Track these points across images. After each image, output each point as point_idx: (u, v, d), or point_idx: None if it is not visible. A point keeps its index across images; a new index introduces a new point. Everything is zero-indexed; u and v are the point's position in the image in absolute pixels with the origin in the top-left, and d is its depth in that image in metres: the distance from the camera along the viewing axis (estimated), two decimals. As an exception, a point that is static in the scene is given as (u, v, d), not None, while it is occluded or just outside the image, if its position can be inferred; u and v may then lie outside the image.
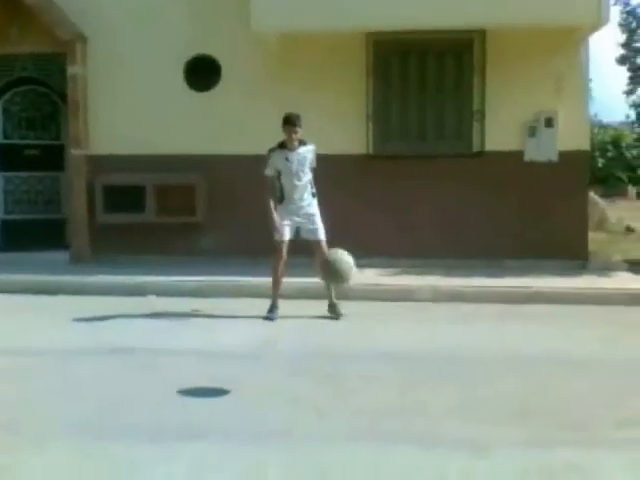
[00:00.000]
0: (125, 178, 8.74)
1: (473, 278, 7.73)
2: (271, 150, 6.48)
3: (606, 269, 8.61)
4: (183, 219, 8.77)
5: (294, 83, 8.66)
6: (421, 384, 4.47)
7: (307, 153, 6.50)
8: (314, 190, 6.61)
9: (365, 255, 8.29)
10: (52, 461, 3.29)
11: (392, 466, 3.19)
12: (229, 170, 8.78)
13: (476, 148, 8.66)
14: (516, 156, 8.58)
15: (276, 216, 6.43)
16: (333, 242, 8.31)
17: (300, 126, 6.37)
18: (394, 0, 7.72)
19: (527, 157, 8.62)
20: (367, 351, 5.29)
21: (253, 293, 7.31)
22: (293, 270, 7.54)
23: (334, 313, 6.49)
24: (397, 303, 6.90)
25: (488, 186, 8.56)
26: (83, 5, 8.78)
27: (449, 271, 7.91)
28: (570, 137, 8.48)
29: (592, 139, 17.52)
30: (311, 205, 6.57)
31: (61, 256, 8.91)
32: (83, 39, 8.84)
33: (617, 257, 10.24)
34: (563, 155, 8.53)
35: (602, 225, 16.59)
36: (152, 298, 7.33)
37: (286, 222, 6.49)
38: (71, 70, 8.86)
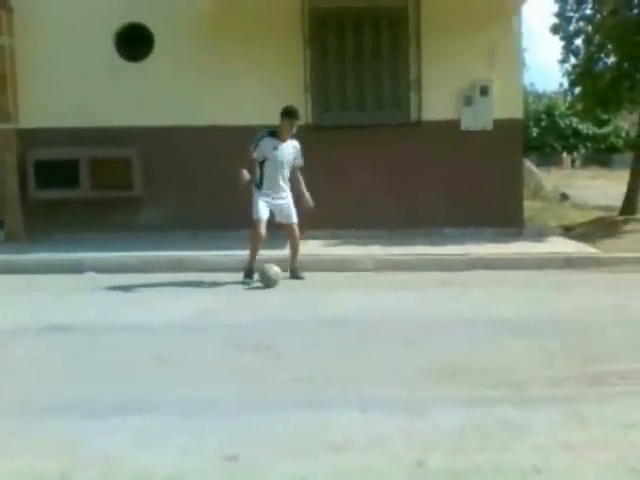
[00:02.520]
0: (57, 152, 8.51)
1: (413, 247, 7.83)
2: (262, 135, 6.55)
3: (541, 235, 8.85)
4: (120, 194, 8.61)
5: (230, 53, 8.56)
6: (360, 350, 4.53)
7: (293, 148, 6.64)
8: (289, 184, 6.78)
9: (306, 227, 8.34)
10: (-13, 440, 3.22)
11: (334, 430, 3.22)
12: (165, 142, 8.65)
13: (414, 117, 8.74)
14: (453, 125, 8.70)
15: (245, 173, 6.46)
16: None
17: (298, 118, 6.60)
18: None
19: (463, 126, 8.75)
20: (308, 320, 5.31)
21: (194, 267, 7.27)
22: (238, 242, 7.54)
23: (296, 276, 6.79)
24: (339, 273, 6.95)
25: (426, 155, 8.66)
26: (8, -27, 8.45)
27: (389, 241, 8.01)
28: (504, 106, 8.65)
29: (526, 108, 17.88)
30: (286, 197, 6.73)
31: (-6, 234, 8.67)
32: (9, 9, 8.51)
33: (552, 223, 10.55)
34: (497, 123, 8.69)
35: (538, 193, 17.01)
36: (91, 274, 7.19)
37: (263, 202, 6.58)
38: (-3, 41, 8.53)
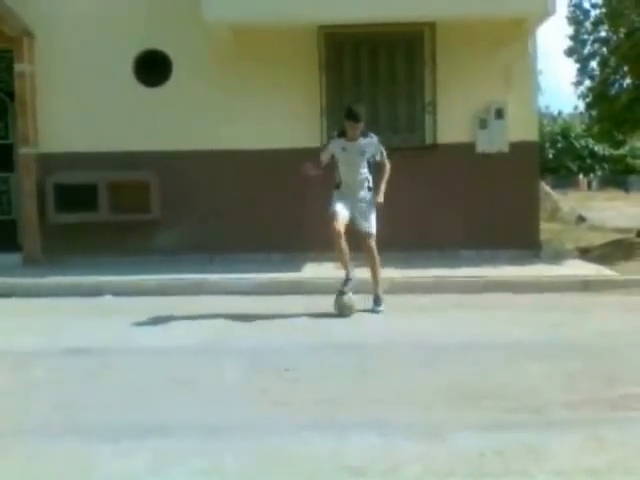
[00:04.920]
0: (76, 176, 8.61)
1: (429, 269, 7.81)
2: (331, 137, 6.53)
3: (559, 257, 8.81)
4: (138, 217, 8.67)
5: (247, 78, 8.65)
6: (377, 373, 4.51)
7: (367, 146, 6.37)
8: (371, 184, 6.50)
9: (322, 249, 8.35)
10: (6, 460, 3.23)
11: (352, 454, 3.21)
12: (183, 166, 8.73)
13: (429, 140, 8.76)
14: (468, 148, 8.71)
15: (308, 166, 6.39)
16: (284, 238, 8.38)
17: (361, 121, 6.26)
18: (345, -6, 7.75)
19: (479, 148, 8.76)
20: (325, 343, 5.31)
21: (211, 290, 7.29)
22: (254, 266, 7.57)
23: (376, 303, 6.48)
24: (355, 296, 6.92)
25: (442, 178, 8.67)
26: (30, 1, 8.62)
27: (405, 263, 7.98)
28: (519, 128, 8.65)
29: (541, 130, 17.88)
30: (365, 200, 6.46)
31: (13, 258, 8.74)
32: (30, 35, 8.67)
33: (569, 245, 10.49)
34: (513, 146, 8.69)
35: (555, 215, 16.96)
36: (108, 297, 7.24)
37: (339, 202, 6.36)
38: (18, 67, 8.69)
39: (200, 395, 4.15)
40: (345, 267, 6.37)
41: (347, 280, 6.34)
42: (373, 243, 6.46)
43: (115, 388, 4.32)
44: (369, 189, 6.50)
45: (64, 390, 4.30)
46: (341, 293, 6.30)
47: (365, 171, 6.46)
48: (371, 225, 6.46)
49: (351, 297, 6.32)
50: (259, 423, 3.64)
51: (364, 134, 6.38)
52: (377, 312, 6.42)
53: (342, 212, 6.31)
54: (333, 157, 6.45)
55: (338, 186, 6.47)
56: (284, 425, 3.61)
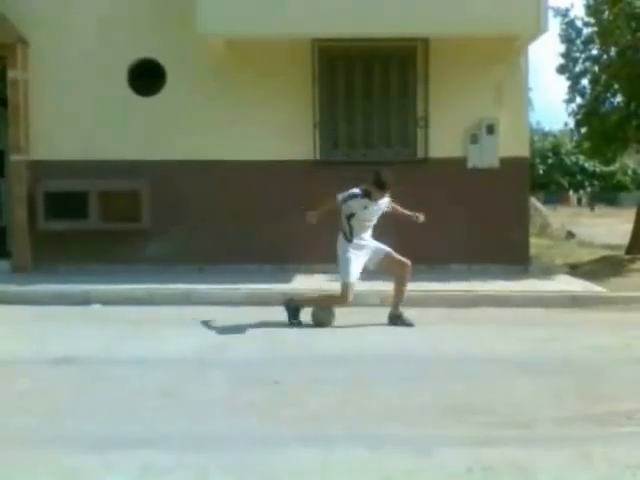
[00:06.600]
0: (67, 184, 8.58)
1: (418, 283, 7.80)
2: (355, 194, 6.25)
3: (548, 273, 8.84)
4: (128, 226, 8.65)
5: (240, 90, 8.67)
6: (364, 387, 4.50)
7: (383, 205, 6.46)
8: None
9: (313, 261, 8.34)
10: (-9, 473, 3.21)
11: (339, 469, 3.20)
12: (174, 176, 8.72)
13: (420, 155, 8.80)
14: (459, 162, 8.75)
15: (312, 216, 6.34)
16: (276, 250, 8.36)
17: (390, 189, 6.32)
18: (339, 8, 7.78)
19: (470, 164, 8.80)
20: (314, 356, 5.30)
21: (201, 300, 7.27)
22: (244, 276, 7.56)
23: (399, 322, 6.49)
24: (345, 309, 6.93)
25: (432, 192, 8.68)
26: (24, 9, 8.62)
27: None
28: (510, 144, 8.70)
29: (532, 146, 17.99)
30: (373, 241, 6.53)
31: (2, 265, 8.71)
32: (24, 43, 8.67)
33: (558, 261, 10.54)
34: (504, 162, 8.74)
35: (545, 231, 17.06)
36: (97, 307, 7.20)
37: (356, 261, 6.32)
38: (11, 74, 8.67)
39: (187, 407, 4.12)
40: (315, 304, 6.53)
41: (297, 311, 6.46)
42: (398, 255, 6.51)
43: (101, 398, 4.29)
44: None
45: (50, 400, 4.26)
46: (293, 323, 6.40)
47: (374, 222, 6.51)
48: (383, 246, 6.52)
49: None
50: (246, 436, 3.63)
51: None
52: (412, 325, 6.44)
53: (355, 280, 6.35)
54: (345, 208, 6.35)
55: (349, 239, 6.38)
56: (271, 439, 3.59)
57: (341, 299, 6.36)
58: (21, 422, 3.86)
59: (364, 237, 6.45)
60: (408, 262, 6.52)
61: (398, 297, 6.58)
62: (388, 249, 6.53)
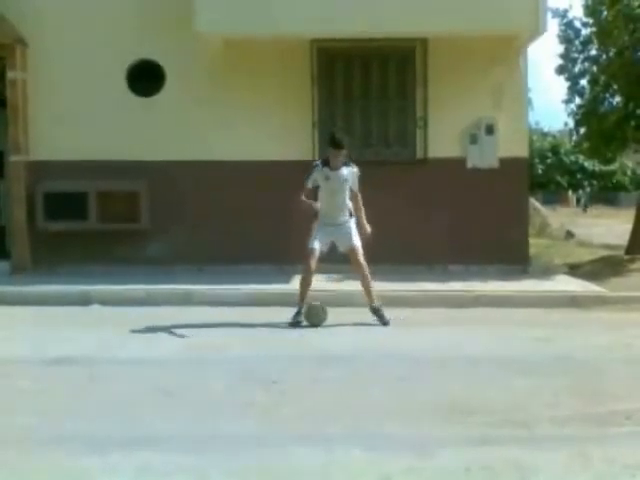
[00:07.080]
0: (67, 185, 8.58)
1: (417, 283, 7.83)
2: (315, 165, 6.45)
3: (547, 273, 8.84)
4: (127, 226, 8.65)
5: (239, 90, 8.67)
6: (363, 387, 4.50)
7: (349, 175, 6.44)
8: (351, 210, 6.55)
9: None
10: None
11: (339, 468, 3.20)
12: (173, 176, 8.72)
13: (419, 155, 8.80)
14: (458, 163, 8.75)
15: (314, 204, 6.38)
16: (275, 250, 8.37)
17: (344, 148, 6.34)
18: (337, 7, 7.79)
19: (469, 164, 8.80)
20: (312, 355, 5.30)
21: (200, 301, 7.27)
22: (244, 277, 7.57)
23: (378, 316, 6.50)
24: (343, 308, 6.93)
25: (432, 192, 8.70)
26: (23, 10, 8.62)
27: (393, 276, 7.99)
28: (510, 144, 8.71)
29: (531, 147, 18.00)
30: (346, 225, 6.52)
31: (1, 265, 8.70)
32: (23, 43, 8.67)
33: (557, 261, 10.54)
34: (503, 162, 8.74)
35: (544, 231, 17.06)
36: (96, 307, 7.20)
37: (319, 236, 6.44)
38: (10, 75, 8.68)
39: (186, 407, 4.13)
40: (302, 299, 6.46)
41: (299, 312, 6.42)
42: (362, 258, 6.50)
43: (101, 399, 4.29)
44: (350, 215, 6.56)
45: (49, 400, 4.26)
46: (294, 324, 6.35)
47: (346, 198, 6.51)
48: (356, 240, 6.51)
49: (318, 307, 6.43)
50: (245, 436, 3.63)
51: (346, 163, 6.45)
52: (387, 324, 6.42)
53: (318, 247, 6.42)
54: (313, 183, 6.44)
55: (317, 214, 6.47)
56: (270, 439, 3.59)
57: (304, 268, 6.41)
58: (21, 422, 3.85)
59: (334, 217, 6.46)
60: (364, 268, 6.49)
61: (366, 293, 6.59)
62: (356, 244, 6.50)
